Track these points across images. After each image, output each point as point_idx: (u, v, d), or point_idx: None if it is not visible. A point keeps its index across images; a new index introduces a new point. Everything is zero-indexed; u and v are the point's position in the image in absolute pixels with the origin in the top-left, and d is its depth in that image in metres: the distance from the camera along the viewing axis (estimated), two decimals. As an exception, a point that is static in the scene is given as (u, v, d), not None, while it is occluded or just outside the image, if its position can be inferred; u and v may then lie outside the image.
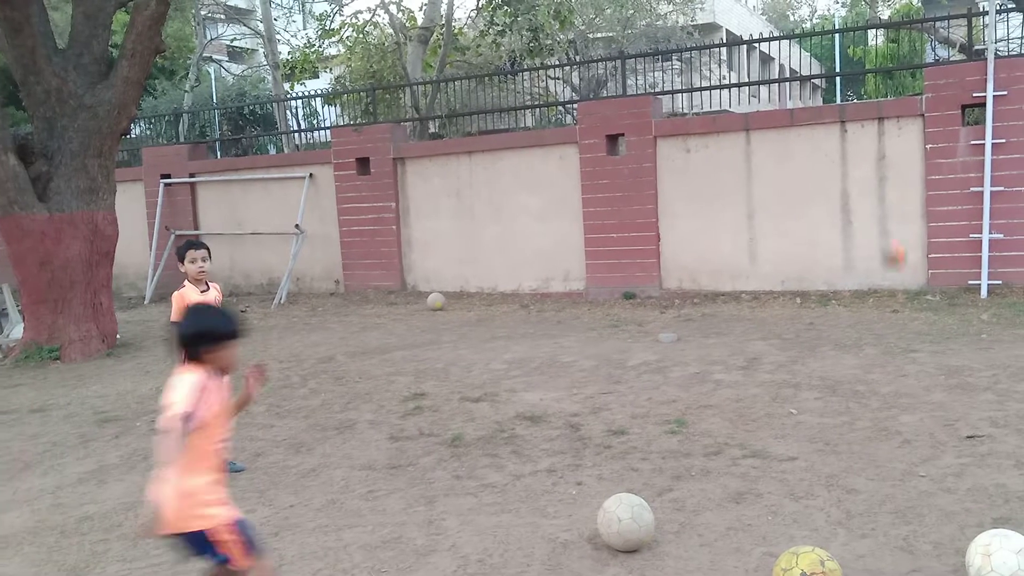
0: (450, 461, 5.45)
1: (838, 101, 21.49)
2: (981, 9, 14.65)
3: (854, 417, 5.89)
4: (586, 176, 12.22)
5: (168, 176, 15.70)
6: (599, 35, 24.09)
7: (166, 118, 19.32)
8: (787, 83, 22.59)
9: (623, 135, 12.04)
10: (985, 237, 10.01)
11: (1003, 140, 10.01)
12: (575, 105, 15.29)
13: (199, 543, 3.03)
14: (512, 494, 4.83)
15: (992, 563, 3.36)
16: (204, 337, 3.09)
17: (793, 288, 11.06)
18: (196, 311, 3.41)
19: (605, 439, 5.66)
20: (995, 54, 10.19)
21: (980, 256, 10.02)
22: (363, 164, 13.94)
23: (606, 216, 12.02)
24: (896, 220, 10.69)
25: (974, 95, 10.25)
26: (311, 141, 18.54)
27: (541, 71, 18.09)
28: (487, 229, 13.08)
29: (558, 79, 19.77)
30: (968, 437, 5.36)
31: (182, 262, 5.59)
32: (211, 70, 27.30)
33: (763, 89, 27.52)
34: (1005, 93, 10.05)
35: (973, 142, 10.22)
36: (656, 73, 18.80)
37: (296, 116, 19.84)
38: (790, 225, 11.17)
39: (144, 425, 6.80)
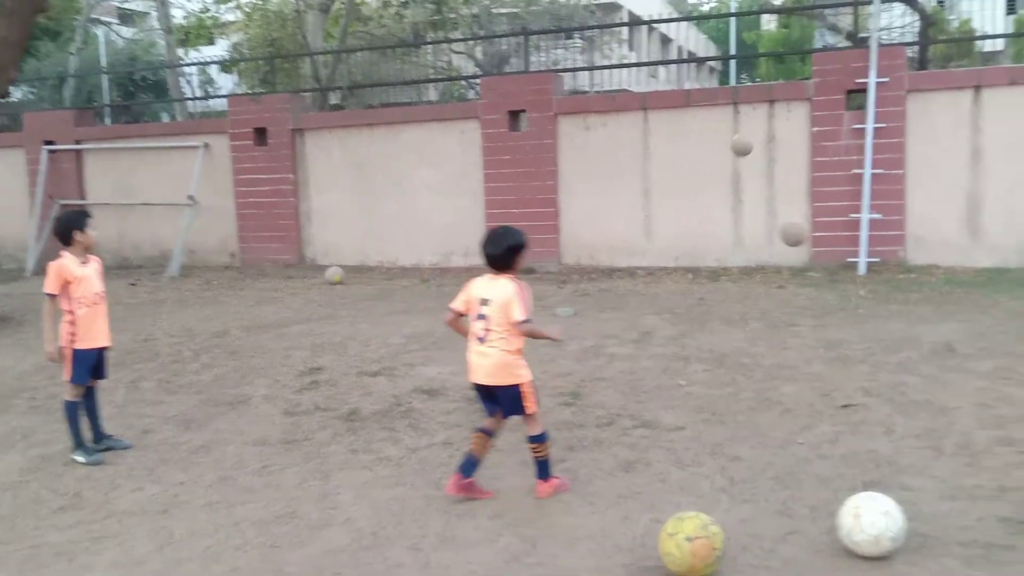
0: (346, 435, 5.45)
1: (732, 83, 22.08)
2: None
3: (739, 388, 6.14)
4: (488, 151, 12.26)
5: (52, 143, 15.00)
6: (503, 10, 24.04)
7: (50, 82, 18.41)
8: (684, 64, 23.05)
9: (525, 111, 12.11)
10: (864, 217, 10.49)
11: (883, 125, 10.48)
12: (478, 80, 15.27)
13: None
14: (408, 467, 4.87)
15: (861, 524, 3.58)
16: None
17: (686, 264, 11.38)
18: None
19: (501, 411, 5.74)
20: (878, 42, 10.64)
21: (859, 235, 10.50)
22: (261, 134, 13.63)
23: (507, 191, 12.10)
24: (783, 200, 11.10)
25: (858, 81, 10.69)
26: (206, 110, 17.98)
27: (444, 44, 17.99)
28: (388, 203, 12.99)
29: (461, 53, 19.68)
30: (843, 406, 5.66)
31: (71, 232, 5.22)
32: (100, 33, 26.05)
33: (661, 70, 28.09)
34: (887, 80, 10.52)
35: (856, 126, 10.66)
36: (558, 51, 18.95)
37: (190, 84, 19.19)
38: (684, 203, 11.47)
39: (24, 403, 6.55)
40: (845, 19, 16.21)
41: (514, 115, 12.20)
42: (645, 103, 11.79)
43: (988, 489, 4.26)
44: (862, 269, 10.38)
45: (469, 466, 4.37)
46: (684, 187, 11.48)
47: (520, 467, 4.75)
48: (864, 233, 10.47)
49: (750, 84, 13.65)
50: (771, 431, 5.26)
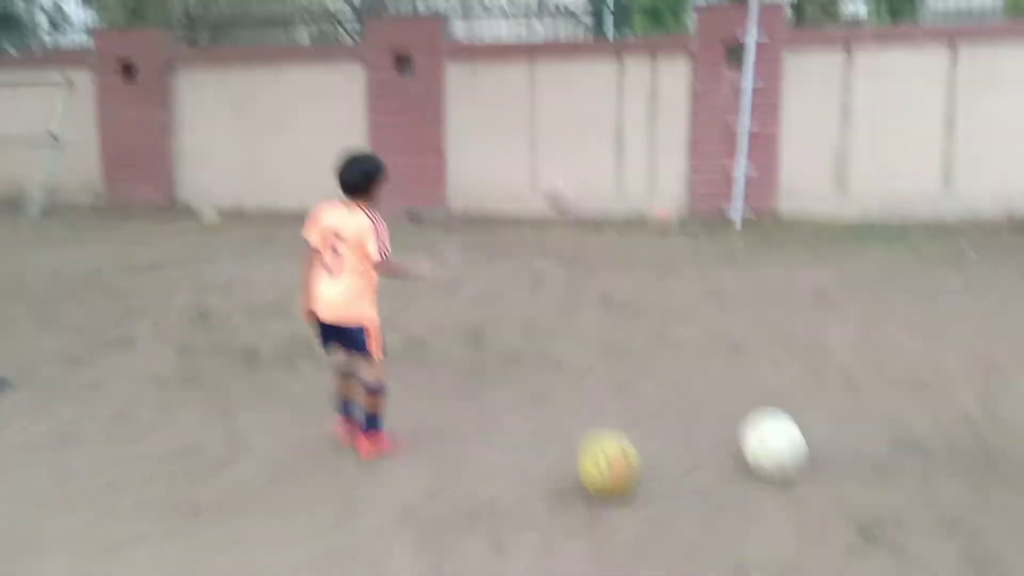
0: (247, 374, 5.32)
1: (610, 37, 22.30)
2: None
3: (635, 330, 6.32)
4: (374, 95, 12.02)
5: None
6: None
7: None
8: (562, 16, 23.12)
9: (412, 56, 11.91)
10: (740, 171, 10.90)
11: (761, 83, 10.87)
12: (358, 24, 14.88)
13: None
14: (315, 404, 4.79)
15: (767, 449, 3.79)
16: None
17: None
18: None
19: (406, 350, 5.72)
20: (759, 1, 10.98)
21: (735, 188, 10.91)
22: (128, 71, 12.87)
23: (394, 136, 11.89)
24: (664, 153, 11.39)
25: (738, 39, 11.02)
26: (69, 43, 16.81)
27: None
28: (268, 145, 12.57)
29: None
30: (733, 346, 5.92)
31: None
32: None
33: (539, 22, 28.08)
34: (766, 40, 10.88)
35: (734, 82, 11.01)
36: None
37: (49, 15, 17.89)
38: (570, 154, 11.60)
39: None
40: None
41: (401, 59, 11.98)
42: (533, 53, 11.80)
43: (871, 418, 4.57)
44: (738, 220, 10.80)
45: (348, 407, 4.20)
46: (570, 138, 11.60)
47: (433, 405, 4.77)
48: (740, 186, 10.89)
49: (634, 38, 13.82)
50: (670, 369, 5.45)
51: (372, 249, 3.90)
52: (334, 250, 3.97)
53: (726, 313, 6.80)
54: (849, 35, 11.17)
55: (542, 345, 5.94)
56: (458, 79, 11.85)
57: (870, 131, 10.74)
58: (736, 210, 10.85)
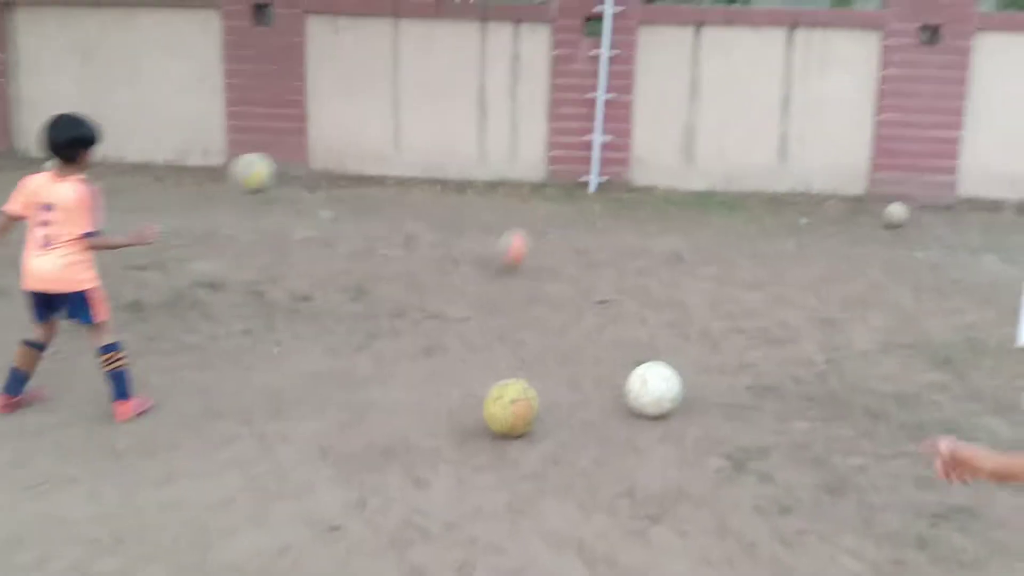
0: (136, 324, 5.31)
1: None
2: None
3: (509, 287, 6.67)
4: (230, 45, 11.71)
5: None
6: None
7: None
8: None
9: (271, 5, 11.68)
10: (597, 139, 11.42)
11: (617, 52, 11.38)
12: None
13: None
14: (214, 353, 4.89)
15: (648, 388, 4.23)
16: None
17: (434, 175, 11.73)
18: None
19: (292, 304, 5.85)
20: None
21: (591, 156, 11.42)
22: (-44, 4, 11.97)
23: (252, 90, 11.66)
24: (525, 118, 11.74)
25: (595, 9, 11.46)
26: None
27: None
28: (117, 93, 12.01)
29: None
30: (600, 302, 6.38)
31: None
32: None
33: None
34: (623, 9, 11.36)
35: (592, 52, 11.48)
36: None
37: None
38: (433, 115, 11.75)
39: None
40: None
41: (259, 8, 11.73)
42: (396, 9, 11.82)
43: (731, 366, 5.13)
44: (593, 187, 11.33)
45: (16, 384, 4.06)
46: (433, 99, 11.74)
47: (328, 355, 4.95)
48: (596, 154, 11.41)
49: (500, 4, 14.04)
50: (546, 321, 5.84)
51: (82, 222, 3.83)
52: (44, 223, 3.84)
53: (591, 272, 7.24)
54: (700, 12, 11.87)
55: (422, 300, 6.19)
56: (320, 32, 11.72)
57: (716, 107, 11.48)
58: (592, 177, 11.37)
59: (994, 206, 10.66)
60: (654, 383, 4.24)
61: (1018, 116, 11.02)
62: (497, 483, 3.59)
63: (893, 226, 9.37)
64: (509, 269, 6.63)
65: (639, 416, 4.27)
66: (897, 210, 9.55)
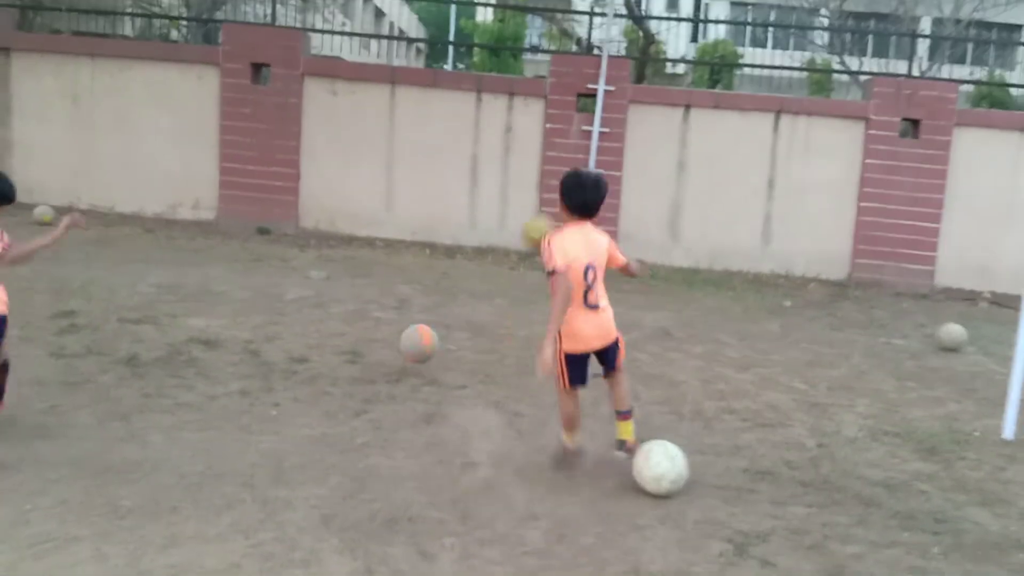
0: (132, 380, 5.28)
1: (448, 69, 22.83)
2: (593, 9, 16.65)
3: (502, 355, 6.72)
4: (227, 102, 11.86)
5: None
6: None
7: None
8: (396, 41, 23.54)
9: (269, 65, 11.87)
10: (585, 212, 11.59)
11: (608, 129, 11.66)
12: (214, 24, 14.62)
13: None
14: (211, 412, 4.87)
15: (649, 463, 4.29)
16: None
17: (423, 239, 11.85)
18: None
19: (289, 365, 5.85)
20: (609, 53, 11.79)
21: (580, 228, 11.58)
22: (-46, 48, 12.05)
23: (246, 147, 11.79)
24: (516, 187, 11.94)
25: (588, 86, 11.77)
26: None
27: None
28: (108, 143, 12.09)
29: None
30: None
31: None
32: None
33: (373, 44, 28.46)
34: (613, 88, 11.69)
35: (584, 127, 11.75)
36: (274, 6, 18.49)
37: None
38: (426, 181, 11.93)
39: None
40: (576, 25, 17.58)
41: (258, 68, 11.92)
42: (394, 77, 12.08)
43: (725, 447, 5.18)
44: (580, 258, 11.46)
45: None
46: (426, 165, 11.93)
47: (328, 420, 4.95)
48: (584, 226, 11.57)
49: (495, 74, 14.30)
50: (540, 394, 5.86)
51: None
52: None
53: (582, 345, 7.30)
54: (688, 95, 12.21)
55: (419, 365, 6.20)
56: (317, 94, 11.92)
57: (702, 187, 11.75)
58: (578, 248, 11.50)
59: (970, 295, 10.92)
60: (657, 459, 4.28)
61: (992, 210, 11.39)
62: (503, 557, 3.59)
63: (948, 349, 8.16)
64: (420, 361, 6.24)
65: (640, 492, 4.30)
66: (956, 331, 8.21)
